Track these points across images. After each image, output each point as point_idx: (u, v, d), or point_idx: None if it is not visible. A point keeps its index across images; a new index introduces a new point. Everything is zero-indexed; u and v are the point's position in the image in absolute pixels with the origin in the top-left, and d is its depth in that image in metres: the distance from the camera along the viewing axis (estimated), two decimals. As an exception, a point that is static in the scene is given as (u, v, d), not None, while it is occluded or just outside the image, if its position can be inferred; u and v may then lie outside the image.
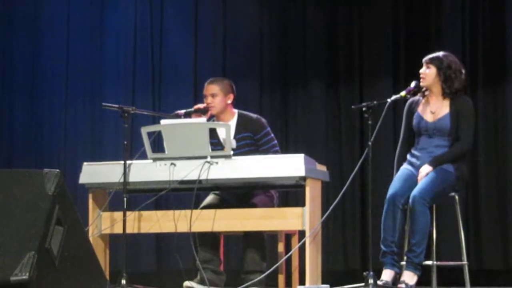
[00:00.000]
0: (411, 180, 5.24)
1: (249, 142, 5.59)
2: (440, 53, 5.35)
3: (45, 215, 3.59)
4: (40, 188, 3.64)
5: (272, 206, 5.54)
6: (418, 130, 5.36)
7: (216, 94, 5.62)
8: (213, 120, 5.68)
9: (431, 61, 5.31)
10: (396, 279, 5.19)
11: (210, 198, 5.62)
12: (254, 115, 5.71)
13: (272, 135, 5.66)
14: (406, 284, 5.08)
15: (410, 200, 5.11)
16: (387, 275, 5.17)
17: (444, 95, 5.31)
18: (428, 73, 5.31)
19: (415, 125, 5.36)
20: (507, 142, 7.04)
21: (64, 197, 3.71)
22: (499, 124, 7.10)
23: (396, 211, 5.18)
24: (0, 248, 3.57)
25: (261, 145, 5.60)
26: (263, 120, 5.69)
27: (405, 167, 5.36)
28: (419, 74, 5.35)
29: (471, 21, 7.21)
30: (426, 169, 5.20)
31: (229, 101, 5.66)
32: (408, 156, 5.40)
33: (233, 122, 5.64)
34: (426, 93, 5.37)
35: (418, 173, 5.24)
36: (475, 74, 7.13)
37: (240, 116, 5.68)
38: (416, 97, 5.43)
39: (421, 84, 5.32)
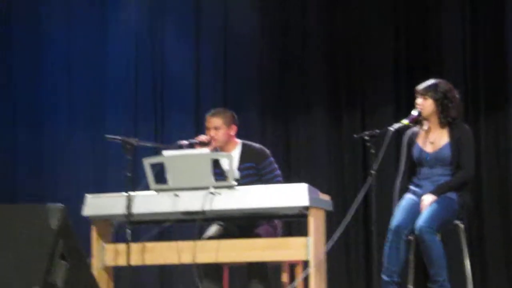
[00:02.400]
0: (415, 210, 5.23)
1: (252, 172, 5.59)
2: (433, 82, 5.34)
3: (49, 250, 3.59)
4: (43, 223, 3.64)
5: (276, 236, 5.53)
6: (419, 161, 5.36)
7: (219, 127, 5.62)
8: (217, 151, 5.68)
9: (426, 91, 5.30)
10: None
11: (213, 229, 5.61)
12: (257, 145, 5.71)
13: (276, 165, 5.66)
14: None
15: (417, 231, 5.09)
16: (388, 304, 5.16)
17: (441, 124, 5.31)
18: (425, 104, 5.30)
19: (416, 157, 5.36)
20: (510, 168, 7.04)
21: (67, 231, 3.72)
22: (501, 150, 7.10)
23: (399, 242, 5.17)
24: (5, 283, 3.56)
25: (264, 175, 5.60)
26: (267, 150, 5.69)
27: (408, 196, 5.35)
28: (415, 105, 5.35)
29: (471, 47, 7.23)
30: (429, 198, 5.19)
31: (232, 133, 5.67)
32: (411, 186, 5.39)
33: (236, 152, 5.64)
34: (425, 126, 5.36)
35: (421, 201, 5.22)
36: (476, 100, 7.15)
37: (243, 146, 5.68)
38: (414, 128, 5.43)
39: (422, 114, 5.31)
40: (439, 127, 5.33)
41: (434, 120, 5.32)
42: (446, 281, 5.10)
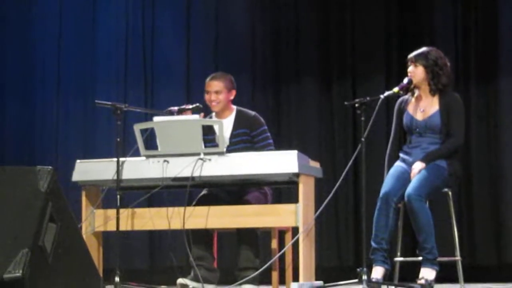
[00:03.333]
0: (404, 178, 5.24)
1: (245, 139, 5.58)
2: (424, 49, 5.33)
3: (38, 212, 3.58)
4: (33, 185, 3.63)
5: (266, 203, 5.53)
6: (409, 129, 5.36)
7: (220, 91, 5.59)
8: (210, 116, 5.67)
9: (417, 59, 5.29)
10: (387, 276, 5.19)
11: (202, 194, 5.61)
12: (252, 112, 5.71)
13: (269, 133, 5.65)
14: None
15: (406, 199, 5.11)
16: (377, 272, 5.17)
17: (432, 92, 5.31)
18: (416, 71, 5.29)
19: (406, 124, 5.36)
20: (499, 138, 7.07)
21: (57, 194, 3.71)
22: (491, 120, 7.12)
23: (389, 209, 5.18)
24: (-7, 246, 3.57)
25: (256, 142, 5.60)
26: (261, 118, 5.68)
27: (398, 164, 5.36)
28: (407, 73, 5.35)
29: (463, 18, 7.23)
30: (419, 165, 5.20)
31: (232, 97, 5.65)
32: (401, 154, 5.40)
33: (231, 118, 5.63)
34: (415, 91, 5.37)
35: (411, 169, 5.24)
36: (467, 71, 7.16)
37: (238, 113, 5.67)
38: (406, 96, 5.42)
39: (414, 82, 5.31)
40: (430, 95, 5.33)
41: (425, 87, 5.32)
42: (434, 248, 5.13)
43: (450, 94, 5.32)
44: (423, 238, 5.11)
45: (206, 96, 5.61)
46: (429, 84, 5.29)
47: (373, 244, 5.20)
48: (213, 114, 5.68)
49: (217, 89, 5.58)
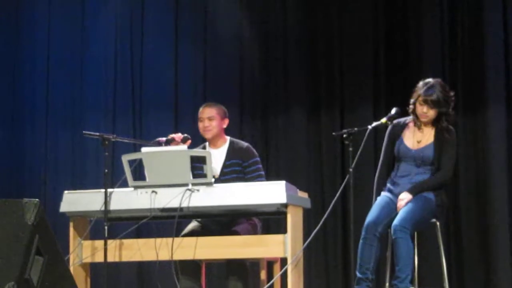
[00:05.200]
0: (389, 208, 5.24)
1: (237, 169, 5.60)
2: (437, 88, 5.28)
3: (25, 245, 3.57)
4: (19, 218, 3.62)
5: (255, 233, 5.53)
6: (399, 156, 5.36)
7: (214, 117, 5.63)
8: (204, 146, 5.69)
9: (435, 104, 5.25)
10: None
11: (191, 225, 5.60)
12: (245, 144, 5.74)
13: (260, 165, 5.66)
14: None
15: (392, 230, 5.12)
16: (362, 301, 5.18)
17: (433, 125, 5.32)
18: (430, 113, 5.28)
19: (396, 151, 5.37)
20: (487, 168, 7.07)
21: (43, 226, 3.69)
22: (479, 150, 7.13)
23: (373, 239, 5.18)
24: (-21, 279, 3.54)
25: (247, 173, 5.61)
26: (254, 150, 5.70)
27: (384, 194, 5.37)
28: (415, 104, 5.33)
29: (450, 48, 7.27)
30: (405, 196, 5.21)
31: (224, 126, 5.69)
32: (388, 184, 5.41)
33: (224, 148, 5.66)
34: (411, 122, 5.38)
35: (397, 200, 5.24)
36: (455, 100, 7.17)
37: (231, 143, 5.70)
38: (402, 120, 5.42)
39: (423, 120, 5.29)
40: (431, 127, 5.34)
41: (429, 123, 5.34)
42: (407, 279, 5.11)
43: (446, 128, 5.32)
44: (399, 267, 5.12)
45: (200, 124, 5.65)
46: (437, 121, 5.28)
47: (358, 274, 5.20)
48: (207, 143, 5.70)
49: (210, 115, 5.62)
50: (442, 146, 5.28)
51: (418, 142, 5.33)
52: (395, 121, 5.42)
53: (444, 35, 7.29)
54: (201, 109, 5.71)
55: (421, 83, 5.34)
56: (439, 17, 7.31)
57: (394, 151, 5.39)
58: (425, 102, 5.27)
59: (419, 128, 5.36)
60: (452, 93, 5.34)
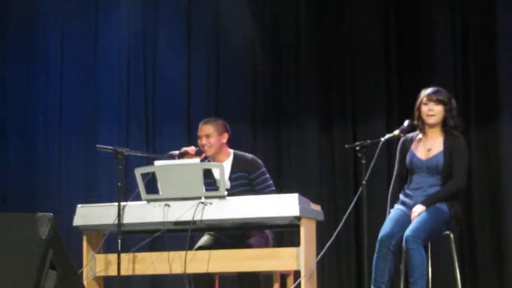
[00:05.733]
0: (403, 221, 5.23)
1: (244, 182, 5.59)
2: (439, 88, 5.36)
3: (39, 259, 3.57)
4: (33, 233, 3.62)
5: (267, 246, 5.52)
6: (411, 168, 5.36)
7: (211, 134, 5.62)
8: (208, 160, 5.68)
9: (438, 97, 5.29)
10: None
11: (204, 239, 5.60)
12: (249, 155, 5.71)
13: (268, 175, 5.65)
14: None
15: (404, 241, 5.10)
16: (377, 315, 5.16)
17: (442, 131, 5.32)
18: (437, 109, 5.30)
19: (408, 163, 5.37)
20: (500, 179, 7.05)
21: (57, 241, 3.70)
22: (492, 161, 7.11)
23: (387, 253, 5.17)
24: (-7, 293, 3.55)
25: (256, 185, 5.60)
26: (259, 160, 5.68)
27: (397, 207, 5.36)
28: (420, 109, 5.34)
29: (462, 58, 7.26)
30: (419, 208, 5.20)
31: (224, 141, 5.66)
32: (401, 196, 5.40)
33: (228, 162, 5.63)
34: (420, 134, 5.38)
35: (411, 212, 5.23)
36: (467, 111, 7.16)
37: (235, 156, 5.68)
38: (410, 135, 5.44)
39: (430, 121, 5.31)
40: (438, 135, 5.33)
41: (437, 127, 5.33)
42: None
43: (455, 135, 5.32)
44: (414, 279, 5.10)
45: (198, 141, 5.64)
46: (445, 122, 5.29)
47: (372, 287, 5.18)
48: (210, 159, 5.69)
49: (207, 132, 5.61)
50: (452, 153, 5.27)
51: (428, 150, 5.33)
52: (403, 138, 5.43)
53: (455, 45, 7.28)
54: (199, 126, 5.70)
55: (422, 91, 5.37)
56: (451, 25, 7.30)
57: (406, 164, 5.39)
58: (430, 99, 5.30)
59: (427, 135, 5.35)
60: (454, 100, 5.34)
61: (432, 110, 5.29)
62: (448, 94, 5.35)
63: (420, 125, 5.37)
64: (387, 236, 5.18)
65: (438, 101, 5.28)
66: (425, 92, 5.36)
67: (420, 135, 5.39)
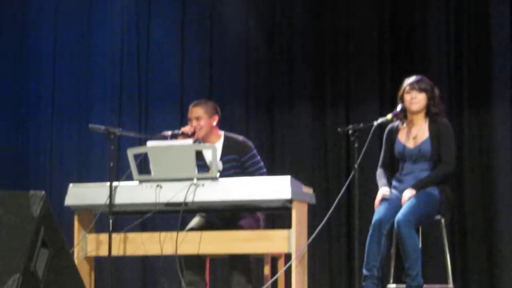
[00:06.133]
0: (396, 205, 5.24)
1: (235, 164, 5.59)
2: (420, 77, 5.40)
3: (30, 237, 3.57)
4: (25, 210, 3.62)
5: (258, 228, 5.53)
6: (402, 157, 5.39)
7: (201, 117, 5.62)
8: (200, 142, 5.68)
9: (420, 85, 5.33)
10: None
11: (196, 220, 5.60)
12: (240, 137, 5.71)
13: (259, 157, 5.66)
14: None
15: (395, 225, 5.12)
16: (368, 299, 5.18)
17: (426, 118, 5.34)
18: (420, 97, 5.34)
19: (398, 153, 5.40)
20: (492, 165, 7.07)
21: (49, 219, 3.70)
22: (484, 146, 7.13)
23: (380, 237, 5.19)
24: (-15, 271, 3.55)
25: (247, 167, 5.60)
26: (249, 142, 5.69)
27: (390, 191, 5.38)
28: (403, 98, 5.37)
29: (456, 43, 7.26)
30: (409, 192, 5.22)
31: (214, 123, 5.66)
32: (393, 182, 5.42)
33: (219, 144, 5.63)
34: (405, 123, 5.40)
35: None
36: (460, 96, 7.18)
37: (226, 138, 5.68)
38: (395, 123, 5.46)
39: (414, 108, 5.33)
40: (423, 121, 5.36)
41: (421, 114, 5.36)
42: (419, 276, 5.13)
43: (440, 121, 5.36)
44: (409, 265, 5.12)
45: (189, 123, 5.64)
46: (428, 110, 5.33)
47: (364, 271, 5.20)
48: (200, 141, 5.68)
49: (197, 115, 5.61)
50: (439, 138, 5.30)
51: (414, 138, 5.35)
52: (389, 126, 5.46)
53: (449, 31, 7.27)
54: (189, 108, 5.70)
55: (405, 80, 5.41)
56: (445, 11, 7.30)
57: (393, 152, 5.41)
58: (412, 88, 5.35)
59: (411, 122, 5.37)
60: (436, 88, 5.39)
61: (415, 98, 5.32)
62: (430, 82, 5.38)
63: (403, 114, 5.39)
64: (380, 220, 5.20)
65: (421, 89, 5.33)
66: (408, 81, 5.40)
67: (405, 124, 5.41)
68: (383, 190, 5.32)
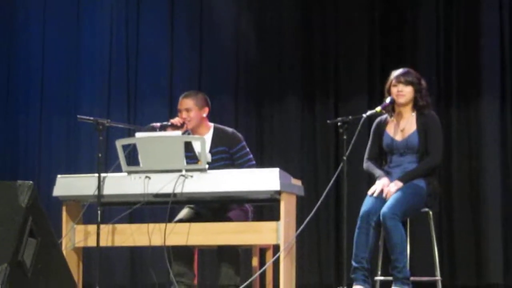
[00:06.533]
0: (384, 197, 5.25)
1: (225, 156, 5.59)
2: (407, 69, 5.40)
3: (18, 227, 3.57)
4: (13, 200, 3.62)
5: (247, 220, 5.54)
6: (390, 150, 5.40)
7: (191, 108, 5.61)
8: (189, 134, 5.67)
9: (406, 79, 5.34)
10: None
11: (184, 211, 5.61)
12: (229, 129, 5.71)
13: (248, 149, 5.66)
14: None
15: (381, 218, 5.13)
16: (357, 291, 5.19)
17: (414, 111, 5.35)
18: (406, 90, 5.34)
19: (387, 146, 5.40)
20: (480, 158, 7.10)
21: (37, 209, 3.70)
22: (472, 140, 7.16)
23: (368, 228, 5.20)
24: (-28, 260, 3.54)
25: (236, 159, 5.60)
26: (239, 134, 5.69)
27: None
28: (390, 91, 5.38)
29: (445, 38, 7.28)
30: (396, 184, 5.22)
31: (204, 115, 5.66)
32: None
33: (208, 136, 5.63)
34: (393, 113, 5.41)
35: (390, 188, 5.26)
36: (449, 90, 7.20)
37: (215, 130, 5.68)
38: (384, 116, 5.47)
39: (400, 101, 5.34)
40: (410, 114, 5.37)
41: (408, 107, 5.37)
42: (405, 268, 5.14)
43: (427, 113, 5.37)
44: (395, 257, 5.13)
45: (179, 115, 5.63)
46: (415, 103, 5.34)
47: (353, 263, 5.21)
48: (190, 132, 5.68)
49: (187, 106, 5.61)
50: (426, 131, 5.31)
51: (402, 131, 5.36)
52: (377, 119, 5.47)
53: (439, 25, 7.29)
54: (179, 100, 5.69)
55: (392, 72, 5.42)
56: (434, 5, 7.31)
57: (381, 145, 5.42)
58: (399, 81, 5.35)
59: (399, 115, 5.38)
60: (423, 80, 5.39)
61: (402, 91, 5.33)
62: (417, 75, 5.39)
63: (391, 107, 5.40)
64: (369, 212, 5.21)
65: (407, 82, 5.33)
66: (394, 73, 5.41)
67: (393, 117, 5.42)
68: (384, 181, 5.29)
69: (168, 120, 5.65)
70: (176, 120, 5.58)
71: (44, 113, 8.14)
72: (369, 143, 5.52)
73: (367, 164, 5.48)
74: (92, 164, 7.14)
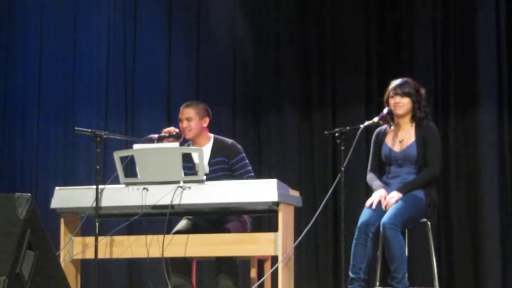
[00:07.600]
0: (382, 208, 5.25)
1: (224, 167, 5.59)
2: (405, 80, 5.39)
3: (17, 239, 3.56)
4: (11, 213, 3.61)
5: (245, 231, 5.53)
6: (389, 161, 5.40)
7: (192, 118, 5.62)
8: (188, 145, 5.68)
9: (403, 90, 5.33)
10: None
11: (182, 223, 5.60)
12: (229, 140, 5.72)
13: (247, 161, 5.66)
14: None
15: (381, 228, 5.13)
16: (354, 301, 5.19)
17: (412, 121, 5.36)
18: (404, 101, 5.34)
19: (385, 156, 5.40)
20: (478, 169, 7.10)
21: (35, 221, 3.69)
22: (470, 151, 7.16)
23: (366, 239, 5.19)
24: (-30, 273, 3.54)
25: (235, 170, 5.61)
26: (239, 146, 5.69)
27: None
28: (388, 102, 5.38)
29: (442, 47, 7.29)
30: (395, 195, 5.22)
31: (205, 125, 5.66)
32: (380, 184, 5.43)
33: (208, 147, 5.64)
34: (392, 126, 5.42)
35: (388, 199, 5.26)
36: (446, 101, 7.21)
37: (215, 141, 5.68)
38: (383, 127, 5.48)
39: (398, 112, 5.34)
40: (409, 125, 5.37)
41: (406, 118, 5.37)
42: (405, 278, 5.13)
43: (426, 125, 5.37)
44: (395, 267, 5.13)
45: (180, 124, 5.64)
46: (413, 114, 5.34)
47: (350, 274, 5.20)
48: (190, 142, 5.69)
49: (188, 116, 5.61)
50: (425, 142, 5.32)
51: (401, 141, 5.36)
52: (377, 129, 5.47)
53: (436, 34, 7.31)
54: (180, 109, 5.70)
55: (390, 83, 5.41)
56: (431, 16, 7.33)
57: (382, 156, 5.42)
58: (396, 93, 5.35)
59: (398, 126, 5.39)
60: (423, 89, 5.38)
61: (399, 103, 5.33)
62: (415, 85, 5.38)
63: (390, 118, 5.40)
64: (366, 223, 5.20)
65: (404, 94, 5.33)
66: (392, 84, 5.40)
67: (392, 127, 5.43)
68: (381, 192, 5.29)
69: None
70: (168, 130, 5.58)
71: (41, 124, 8.13)
72: (370, 154, 5.52)
73: (369, 176, 5.47)
74: (90, 176, 7.14)
